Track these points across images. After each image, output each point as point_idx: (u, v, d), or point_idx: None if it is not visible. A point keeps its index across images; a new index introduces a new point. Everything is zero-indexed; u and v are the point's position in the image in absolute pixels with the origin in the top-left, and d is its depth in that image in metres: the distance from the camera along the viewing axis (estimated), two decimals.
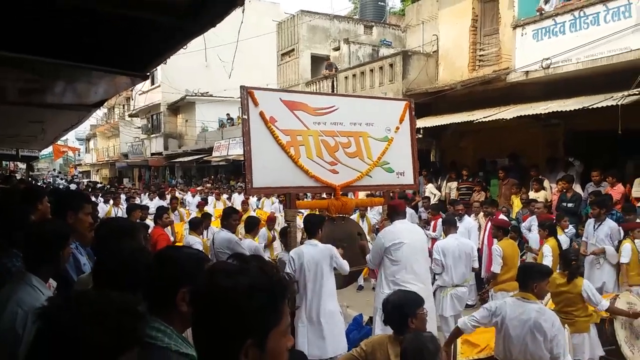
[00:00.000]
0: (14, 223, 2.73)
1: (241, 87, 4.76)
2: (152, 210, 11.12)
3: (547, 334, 3.26)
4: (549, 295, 4.39)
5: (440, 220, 7.89)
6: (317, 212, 5.43)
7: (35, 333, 1.09)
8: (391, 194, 5.56)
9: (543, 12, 8.58)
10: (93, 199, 11.24)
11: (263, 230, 8.24)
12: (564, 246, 6.00)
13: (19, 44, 3.34)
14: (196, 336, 1.17)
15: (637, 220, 6.21)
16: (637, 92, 6.89)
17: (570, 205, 7.57)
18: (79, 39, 3.54)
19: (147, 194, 15.84)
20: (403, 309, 3.00)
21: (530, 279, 3.45)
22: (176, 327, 1.57)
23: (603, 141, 8.28)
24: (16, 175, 21.71)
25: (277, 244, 7.69)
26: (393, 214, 4.86)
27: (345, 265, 4.55)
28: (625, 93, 7.00)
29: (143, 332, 1.21)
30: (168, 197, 12.74)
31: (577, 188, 8.05)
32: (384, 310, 3.13)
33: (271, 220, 8.21)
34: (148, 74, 4.70)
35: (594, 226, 6.31)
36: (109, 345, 1.06)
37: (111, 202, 12.62)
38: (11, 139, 11.67)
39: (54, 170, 54.24)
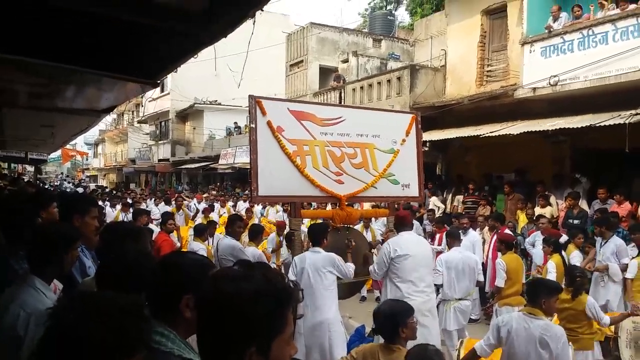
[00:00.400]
0: (24, 222, 2.76)
1: (250, 96, 4.81)
2: (157, 215, 11.23)
3: (552, 350, 3.23)
4: None
5: (441, 234, 7.90)
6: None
7: (44, 332, 1.11)
8: (396, 206, 5.56)
9: (552, 29, 8.63)
10: (100, 203, 11.34)
11: (272, 235, 8.32)
12: (577, 263, 5.98)
13: (30, 48, 3.41)
14: (201, 341, 1.17)
15: None
16: None
17: (576, 221, 7.53)
18: (91, 45, 3.60)
19: (152, 199, 15.90)
20: (395, 318, 3.01)
21: (540, 294, 3.42)
22: (179, 333, 1.57)
23: (610, 159, 8.26)
24: (24, 177, 21.89)
25: (284, 250, 7.73)
26: (400, 225, 4.86)
27: (348, 270, 4.53)
28: (633, 112, 6.99)
29: (149, 335, 1.22)
30: (173, 202, 12.82)
31: (584, 205, 8.02)
32: (375, 320, 3.14)
33: (281, 227, 8.26)
34: (158, 81, 4.76)
35: (601, 243, 6.27)
36: (112, 345, 1.08)
37: (118, 206, 12.70)
38: (21, 142, 11.82)
39: (62, 173, 54.62)
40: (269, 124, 4.74)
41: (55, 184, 38.09)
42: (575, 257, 6.20)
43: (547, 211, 8.05)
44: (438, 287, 5.43)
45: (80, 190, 26.62)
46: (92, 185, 37.27)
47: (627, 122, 6.83)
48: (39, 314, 2.01)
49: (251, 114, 4.77)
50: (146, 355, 1.16)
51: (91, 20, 3.07)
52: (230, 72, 16.30)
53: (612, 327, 4.58)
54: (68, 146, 22.59)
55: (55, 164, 50.29)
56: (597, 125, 7.24)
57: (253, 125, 4.73)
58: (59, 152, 23.82)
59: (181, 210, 11.50)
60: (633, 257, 5.96)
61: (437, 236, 8.17)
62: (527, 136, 8.57)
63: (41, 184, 22.51)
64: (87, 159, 48.96)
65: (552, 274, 5.40)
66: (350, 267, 4.57)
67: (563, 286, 4.61)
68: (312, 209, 9.95)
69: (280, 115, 4.83)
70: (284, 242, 7.68)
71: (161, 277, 1.67)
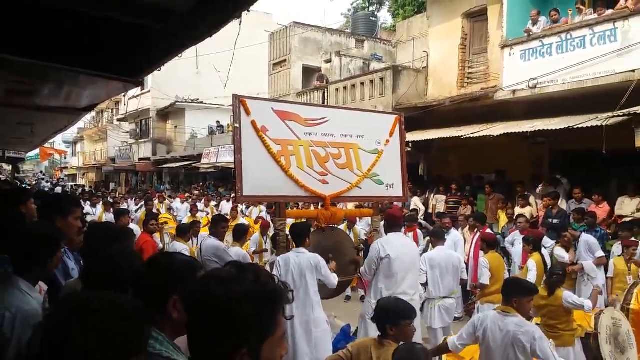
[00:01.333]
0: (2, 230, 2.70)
1: (234, 95, 4.78)
2: (138, 215, 11.10)
3: (526, 347, 3.29)
4: None
5: (414, 231, 7.99)
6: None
7: (32, 335, 1.10)
8: (380, 206, 5.58)
9: (531, 33, 8.79)
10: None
11: (256, 236, 8.25)
12: (562, 256, 6.15)
13: (12, 45, 3.34)
14: (192, 343, 1.17)
15: (632, 239, 6.24)
16: (621, 114, 7.07)
17: (555, 221, 7.70)
18: (74, 43, 3.55)
19: (133, 199, 15.68)
20: (386, 314, 3.06)
21: (512, 293, 3.49)
22: (167, 334, 1.56)
23: (587, 160, 8.46)
24: (1, 176, 21.36)
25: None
26: (390, 225, 4.87)
27: (332, 279, 4.51)
28: (610, 114, 7.17)
29: (143, 338, 1.19)
30: (155, 202, 12.67)
31: (563, 205, 8.20)
32: (375, 310, 3.21)
33: (265, 227, 8.21)
34: (141, 80, 4.71)
35: (575, 246, 6.45)
36: (100, 349, 1.05)
37: (99, 206, 12.52)
38: None
39: (40, 172, 53.42)
40: (253, 123, 4.71)
41: (33, 182, 37.23)
42: (558, 251, 6.36)
43: (526, 211, 8.21)
44: (423, 286, 5.49)
45: (58, 189, 26.10)
46: (71, 184, 36.57)
47: (604, 124, 7.01)
48: (25, 314, 2.01)
49: (235, 114, 4.73)
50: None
51: (74, 18, 3.03)
52: (212, 70, 16.19)
53: (592, 324, 4.65)
54: (46, 145, 22.11)
55: (33, 163, 49.15)
56: (575, 127, 7.41)
57: (237, 125, 4.70)
58: (37, 151, 23.30)
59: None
60: (618, 255, 6.12)
61: (411, 234, 8.19)
62: (506, 137, 8.71)
63: (18, 183, 22.00)
64: (65, 158, 47.96)
65: (532, 272, 5.51)
66: (333, 278, 4.55)
67: (543, 284, 4.73)
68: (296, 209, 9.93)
69: (265, 115, 4.81)
70: (269, 243, 7.65)
71: (148, 277, 1.66)
